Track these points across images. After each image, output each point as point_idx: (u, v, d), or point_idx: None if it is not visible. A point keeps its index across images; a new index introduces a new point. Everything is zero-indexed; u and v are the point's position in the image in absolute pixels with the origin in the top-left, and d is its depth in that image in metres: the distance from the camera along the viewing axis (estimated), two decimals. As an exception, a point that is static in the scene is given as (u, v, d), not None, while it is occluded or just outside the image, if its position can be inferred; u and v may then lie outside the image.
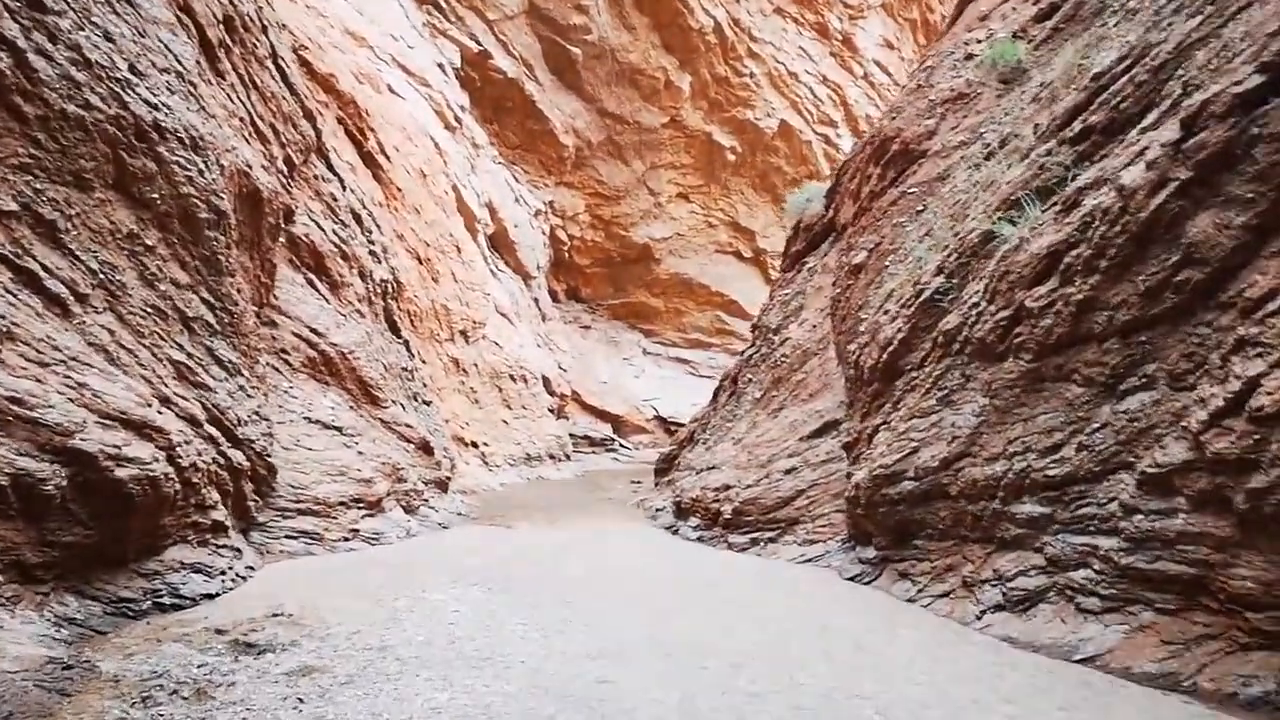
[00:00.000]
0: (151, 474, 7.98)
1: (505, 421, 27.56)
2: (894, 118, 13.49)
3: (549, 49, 31.89)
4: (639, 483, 26.16)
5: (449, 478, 17.19)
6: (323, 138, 17.49)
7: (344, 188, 18.05)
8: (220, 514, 9.66)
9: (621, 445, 36.11)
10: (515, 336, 29.66)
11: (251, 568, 9.91)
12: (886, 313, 11.21)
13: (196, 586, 8.68)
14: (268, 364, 12.67)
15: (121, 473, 7.69)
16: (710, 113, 36.28)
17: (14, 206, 7.98)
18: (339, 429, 13.29)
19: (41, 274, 8.06)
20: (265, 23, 15.22)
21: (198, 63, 11.67)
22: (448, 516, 15.54)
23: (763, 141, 37.67)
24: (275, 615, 8.16)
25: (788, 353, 14.52)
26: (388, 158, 22.30)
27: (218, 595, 8.84)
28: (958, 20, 14.38)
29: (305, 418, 12.86)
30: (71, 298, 8.35)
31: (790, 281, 16.51)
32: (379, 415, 15.06)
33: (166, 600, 8.28)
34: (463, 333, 25.50)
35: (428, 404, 19.43)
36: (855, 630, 8.03)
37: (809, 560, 11.38)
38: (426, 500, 15.12)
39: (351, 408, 14.28)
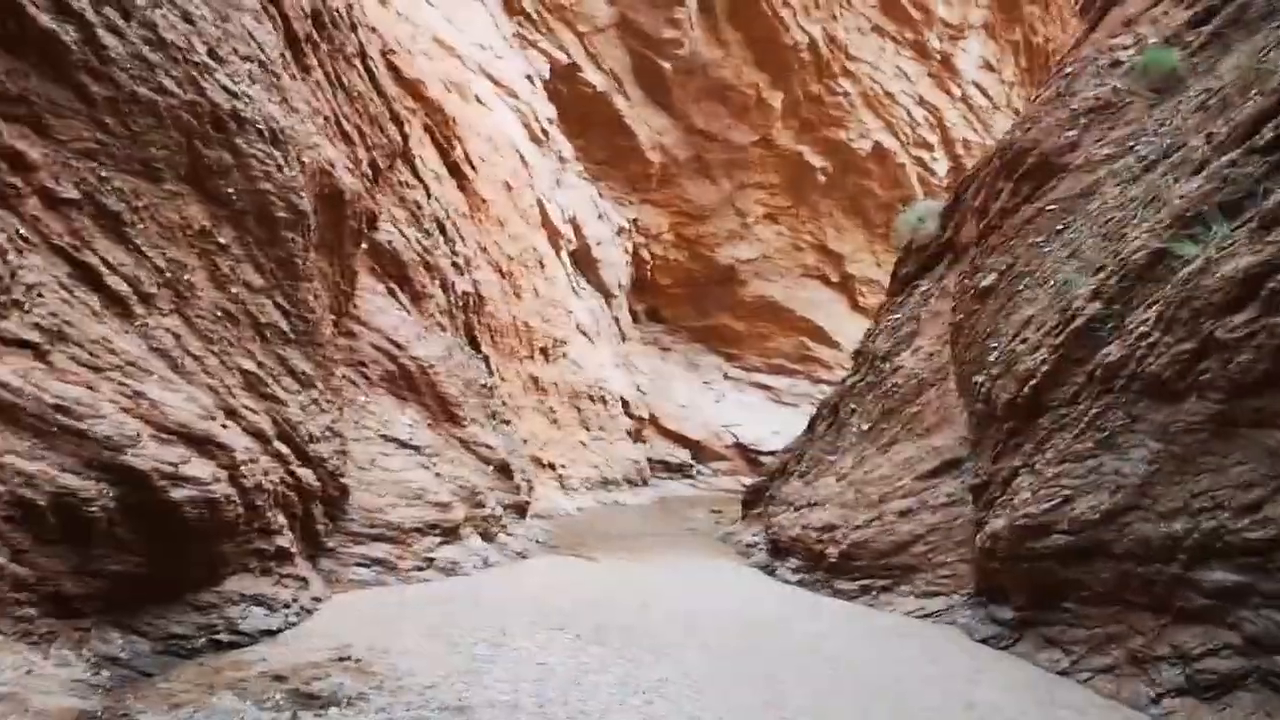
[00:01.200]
0: (211, 496, 7.14)
1: (583, 443, 26.62)
2: (1028, 129, 12.31)
3: (639, 63, 31.05)
4: (719, 512, 25.04)
5: (528, 502, 16.27)
6: (409, 143, 16.79)
7: (429, 196, 17.34)
8: (286, 540, 8.80)
9: (699, 471, 34.93)
10: (595, 356, 28.77)
11: (318, 599, 9.03)
12: (1025, 342, 10.03)
13: (257, 621, 7.82)
14: (344, 376, 11.87)
15: (177, 494, 6.86)
16: (801, 132, 35.11)
17: (75, 194, 7.24)
18: (417, 448, 12.43)
19: (102, 270, 7.31)
20: (355, 21, 14.56)
21: (282, 55, 10.95)
22: (526, 544, 14.60)
23: (855, 163, 36.38)
24: (342, 660, 7.26)
25: (900, 382, 13.35)
26: (474, 168, 21.60)
27: (279, 632, 7.98)
28: (1098, 26, 13.15)
29: (382, 435, 12.02)
30: (134, 297, 7.59)
31: (900, 306, 15.33)
32: (458, 434, 14.19)
33: (223, 637, 7.43)
34: (543, 350, 24.67)
35: (506, 423, 18.54)
36: (1008, 712, 6.87)
37: (929, 615, 10.21)
38: (504, 526, 14.20)
39: (430, 425, 13.44)
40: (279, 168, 9.62)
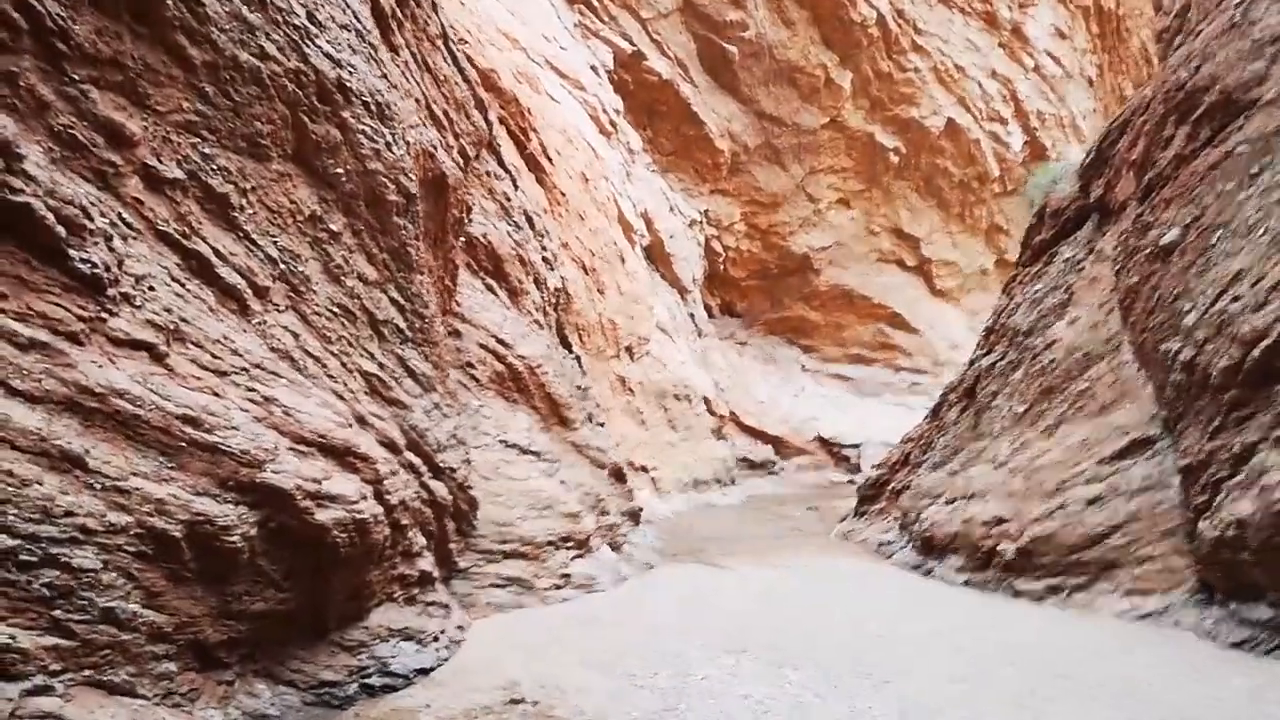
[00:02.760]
0: (359, 516, 6.06)
1: (671, 444, 25.50)
2: (1198, 66, 10.94)
3: (704, 48, 29.86)
4: (816, 509, 23.84)
5: (641, 508, 15.13)
6: (493, 131, 15.75)
7: (516, 187, 16.28)
8: (427, 562, 7.73)
9: (782, 468, 33.67)
10: (676, 354, 27.65)
11: (461, 627, 7.94)
12: (1238, 299, 8.71)
13: (408, 659, 6.74)
14: (455, 379, 10.81)
15: (323, 516, 5.78)
16: (872, 112, 33.72)
17: (179, 174, 6.21)
18: (537, 454, 11.34)
19: (213, 260, 6.26)
20: (435, 1, 13.53)
21: (374, 28, 9.93)
22: (647, 553, 13.47)
23: (927, 141, 34.92)
24: (515, 702, 6.17)
25: (1058, 357, 11.99)
26: (550, 160, 20.52)
27: (433, 669, 6.89)
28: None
29: (501, 441, 10.95)
30: (250, 291, 6.54)
31: (1038, 276, 13.97)
32: (570, 438, 13.10)
33: (375, 680, 6.36)
34: (628, 349, 23.57)
35: (601, 425, 17.47)
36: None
37: (1147, 617, 8.89)
38: (625, 535, 13.08)
39: (543, 429, 12.35)
40: (388, 145, 8.60)
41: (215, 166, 6.54)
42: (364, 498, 6.20)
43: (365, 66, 8.64)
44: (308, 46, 7.53)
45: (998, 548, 10.85)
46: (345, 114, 7.97)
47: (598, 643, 7.87)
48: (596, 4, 27.61)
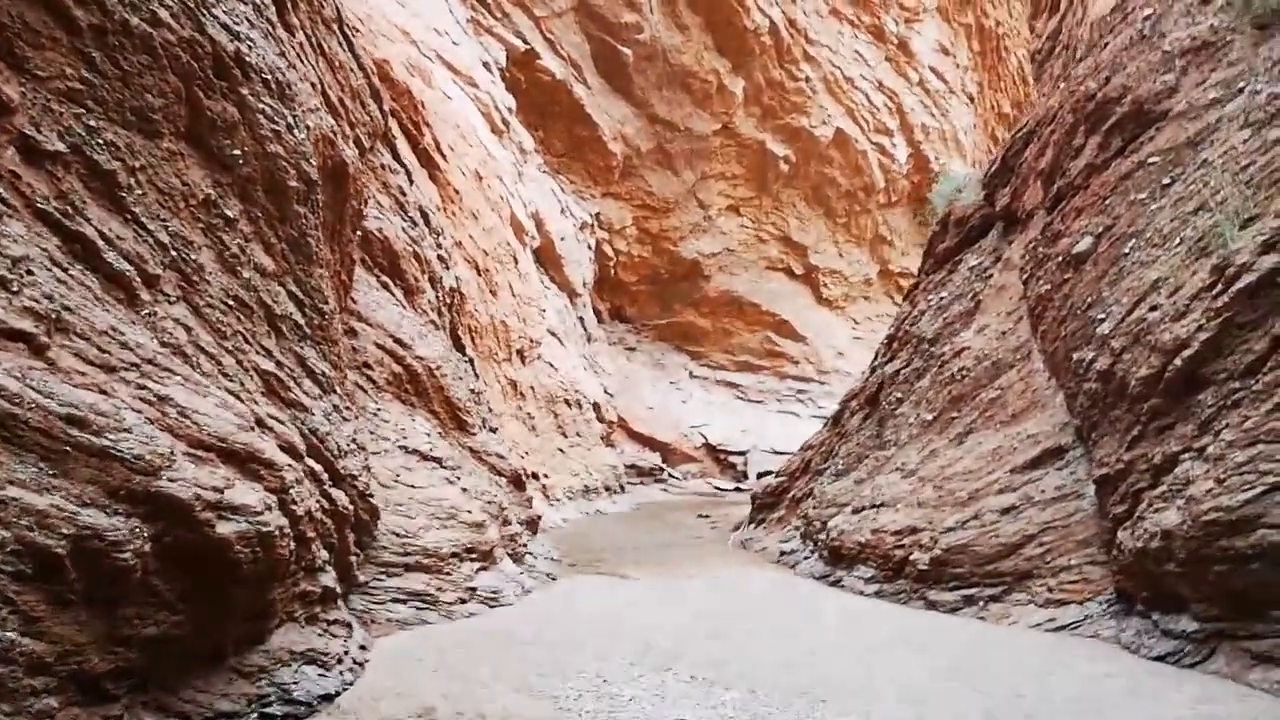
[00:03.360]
0: (264, 529, 5.48)
1: (562, 450, 25.05)
2: (1107, 77, 11.06)
3: (598, 49, 29.49)
4: (707, 516, 23.79)
5: (540, 516, 14.65)
6: (388, 122, 15.09)
7: (411, 182, 15.65)
8: (329, 577, 7.16)
9: (670, 475, 33.55)
10: (567, 358, 27.22)
11: (364, 647, 7.39)
12: (1156, 309, 8.74)
13: (311, 685, 6.17)
14: (353, 381, 10.20)
15: (225, 529, 5.20)
16: (763, 120, 33.88)
17: (61, 147, 5.56)
18: (438, 460, 10.79)
19: (99, 243, 5.63)
20: (328, -17, 12.85)
21: (271, 3, 9.28)
22: (547, 564, 13.01)
23: (817, 150, 35.27)
24: (433, 730, 5.65)
25: (968, 365, 11.99)
26: (444, 157, 19.88)
27: (337, 695, 6.33)
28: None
29: (401, 446, 10.37)
30: (139, 279, 5.91)
31: (943, 284, 14.01)
32: (469, 444, 12.57)
33: (276, 710, 5.78)
34: (519, 352, 23.03)
35: (494, 431, 16.94)
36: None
37: (1064, 628, 8.84)
38: (525, 545, 12.59)
39: (441, 435, 11.80)
40: (289, 128, 8.01)
41: (101, 141, 5.90)
42: (268, 508, 5.62)
43: (264, 43, 8.04)
44: (204, 15, 6.94)
45: (910, 558, 10.74)
46: (244, 90, 7.37)
47: (515, 663, 7.40)
48: (490, 0, 27.00)
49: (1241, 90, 9.60)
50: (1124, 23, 11.86)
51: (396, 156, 15.40)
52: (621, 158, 31.45)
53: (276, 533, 5.62)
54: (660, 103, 31.32)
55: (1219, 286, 7.95)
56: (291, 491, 6.12)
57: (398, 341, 11.66)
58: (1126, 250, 9.83)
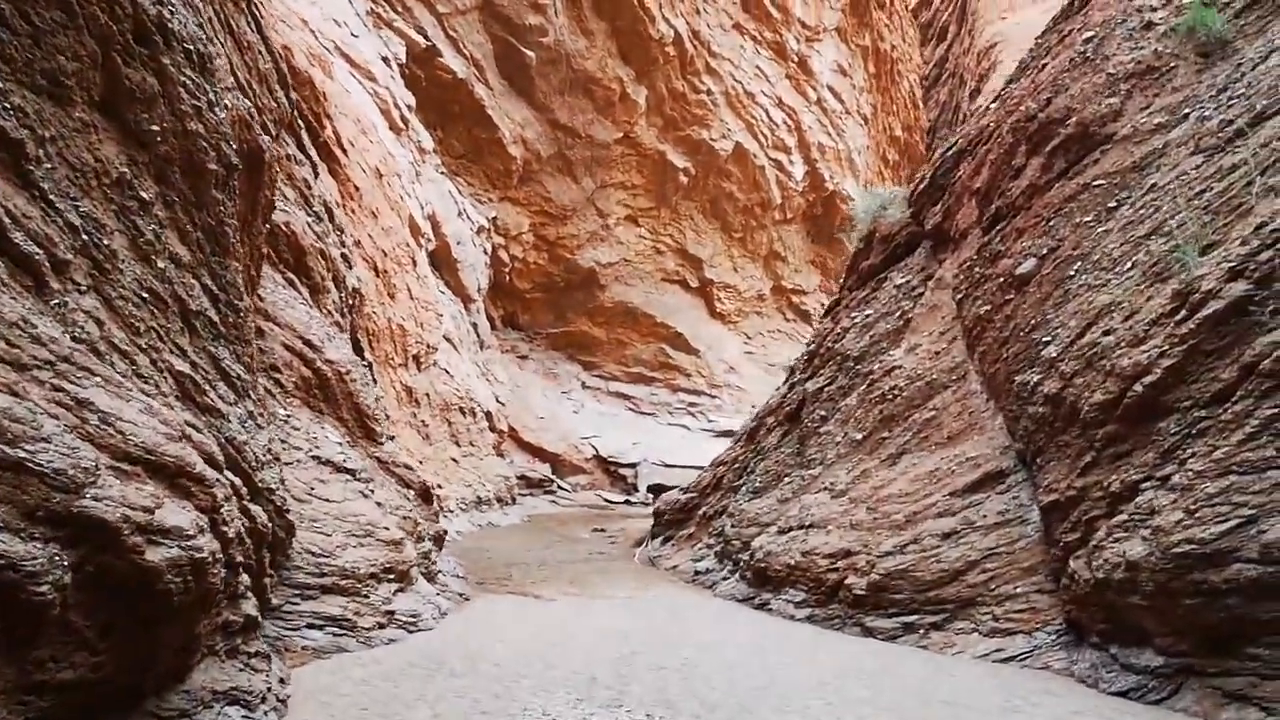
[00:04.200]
0: (197, 555, 4.79)
1: (455, 460, 24.27)
2: (1048, 99, 11.01)
3: (501, 50, 28.76)
4: (602, 530, 23.36)
5: (445, 531, 13.93)
6: (294, 110, 14.23)
7: (315, 175, 14.80)
8: (251, 605, 6.44)
9: (560, 486, 32.95)
10: (461, 365, 26.43)
11: (284, 680, 6.68)
12: (1110, 333, 8.63)
13: (236, 728, 5.46)
14: (262, 385, 9.41)
15: (155, 555, 4.50)
16: (665, 131, 33.63)
17: (-39, 108, 4.79)
18: (352, 472, 10.06)
19: (5, 221, 4.87)
20: (236, -40, 11.98)
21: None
22: (457, 583, 12.33)
23: (716, 164, 35.20)
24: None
25: (900, 385, 11.77)
26: (344, 151, 18.98)
27: (264, 738, 5.62)
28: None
29: (314, 457, 9.61)
30: (48, 265, 5.16)
31: (868, 301, 13.82)
32: (377, 454, 11.84)
33: (200, 759, 5.06)
34: (415, 358, 22.20)
35: (392, 439, 16.15)
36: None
37: (1013, 659, 8.62)
38: (435, 563, 11.90)
39: (351, 444, 11.06)
40: (210, 105, 7.28)
41: (8, 105, 5.16)
42: (201, 531, 4.92)
43: (185, 12, 7.28)
44: (124, -27, 6.17)
45: (845, 581, 10.44)
46: (165, 60, 6.64)
47: (452, 699, 6.78)
48: (392, -8, 26.09)
49: (1187, 116, 9.63)
50: (1061, 44, 11.87)
51: (301, 147, 14.56)
52: (521, 162, 30.77)
53: (210, 559, 4.92)
54: (562, 108, 30.76)
55: (1183, 312, 7.84)
56: (222, 510, 5.42)
57: (307, 343, 10.89)
58: (1072, 273, 9.73)
